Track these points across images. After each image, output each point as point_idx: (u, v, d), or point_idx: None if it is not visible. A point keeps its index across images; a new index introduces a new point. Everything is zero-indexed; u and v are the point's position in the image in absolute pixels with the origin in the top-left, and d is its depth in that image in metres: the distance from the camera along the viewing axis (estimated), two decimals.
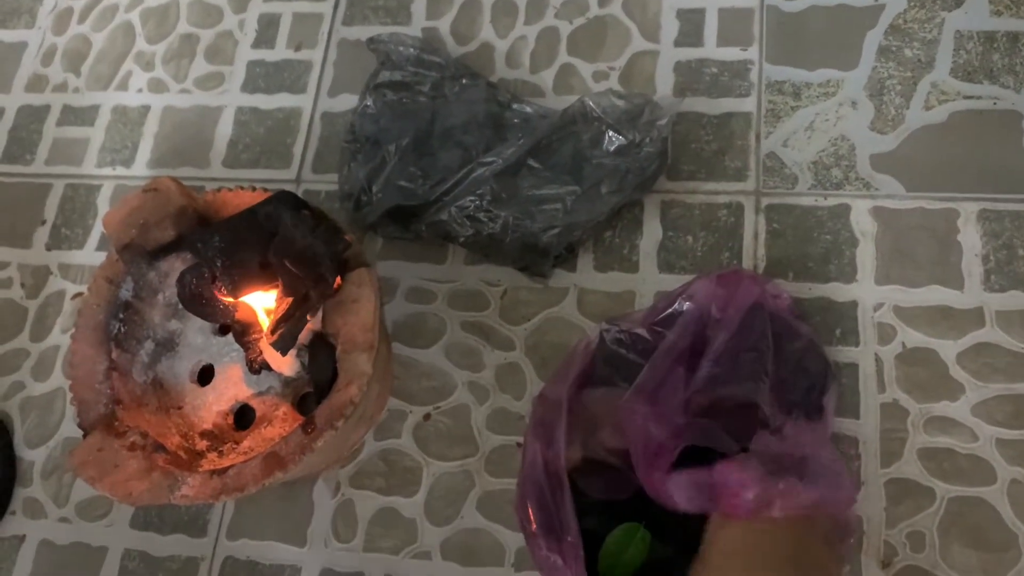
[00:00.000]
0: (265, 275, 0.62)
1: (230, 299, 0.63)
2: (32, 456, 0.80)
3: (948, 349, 0.69)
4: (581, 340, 0.68)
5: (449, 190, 0.73)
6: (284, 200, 0.64)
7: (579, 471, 0.63)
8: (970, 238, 0.71)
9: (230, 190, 0.70)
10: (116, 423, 0.64)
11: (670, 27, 0.84)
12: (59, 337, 0.84)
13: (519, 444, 0.71)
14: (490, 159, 0.73)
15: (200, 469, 0.64)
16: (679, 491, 0.55)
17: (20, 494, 0.79)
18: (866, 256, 0.73)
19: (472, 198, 0.72)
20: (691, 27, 0.84)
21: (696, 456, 0.59)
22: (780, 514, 0.54)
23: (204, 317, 0.66)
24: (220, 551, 0.74)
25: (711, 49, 0.82)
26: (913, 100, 0.76)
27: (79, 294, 0.85)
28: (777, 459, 0.56)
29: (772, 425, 0.59)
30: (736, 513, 0.54)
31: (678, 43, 0.83)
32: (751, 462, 0.55)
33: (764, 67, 0.81)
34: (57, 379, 0.82)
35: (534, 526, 0.59)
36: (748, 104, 0.79)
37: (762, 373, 0.63)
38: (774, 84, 0.80)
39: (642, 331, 0.68)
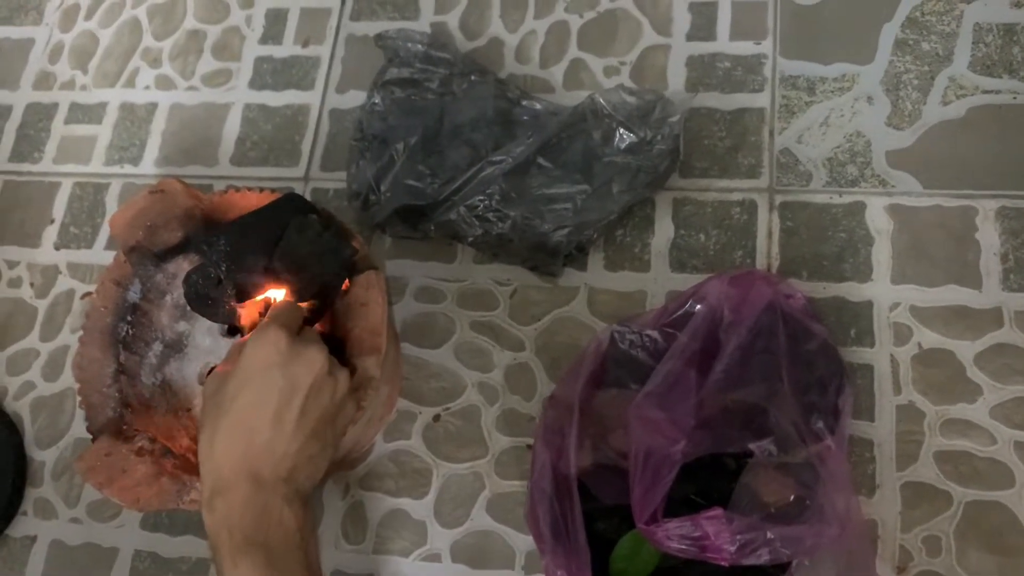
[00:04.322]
0: (271, 278, 0.61)
1: (236, 302, 0.62)
2: (43, 456, 0.80)
3: (965, 350, 0.68)
4: (592, 341, 0.67)
5: (458, 189, 0.72)
6: (291, 203, 0.63)
7: (590, 475, 0.63)
8: (988, 236, 0.70)
9: (237, 191, 0.69)
10: (124, 427, 0.64)
11: (682, 20, 0.83)
12: (68, 337, 0.84)
13: (529, 446, 0.71)
14: (499, 158, 0.72)
15: None
16: (670, 542, 0.55)
17: (31, 495, 0.79)
18: (882, 255, 0.71)
19: (481, 197, 0.71)
20: (703, 20, 0.82)
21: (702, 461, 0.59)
22: (767, 560, 0.54)
23: (211, 318, 0.65)
24: None
25: (724, 43, 0.81)
26: (930, 95, 0.75)
27: (88, 293, 0.84)
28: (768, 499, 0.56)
29: (778, 433, 0.58)
30: (721, 560, 0.54)
31: (690, 37, 0.82)
32: (737, 511, 0.55)
33: (778, 61, 0.79)
34: (67, 379, 0.82)
35: (542, 537, 0.58)
36: (762, 99, 0.78)
37: (775, 376, 0.62)
38: (788, 79, 0.78)
39: (653, 332, 0.67)
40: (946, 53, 0.76)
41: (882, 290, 0.70)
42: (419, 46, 0.80)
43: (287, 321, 0.56)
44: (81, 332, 0.68)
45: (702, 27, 0.82)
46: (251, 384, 0.54)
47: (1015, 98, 0.73)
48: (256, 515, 0.52)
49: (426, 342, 0.76)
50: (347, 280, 0.63)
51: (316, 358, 0.55)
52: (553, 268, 0.74)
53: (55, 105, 0.94)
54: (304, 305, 0.61)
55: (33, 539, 0.77)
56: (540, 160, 0.72)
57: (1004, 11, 0.76)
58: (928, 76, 0.76)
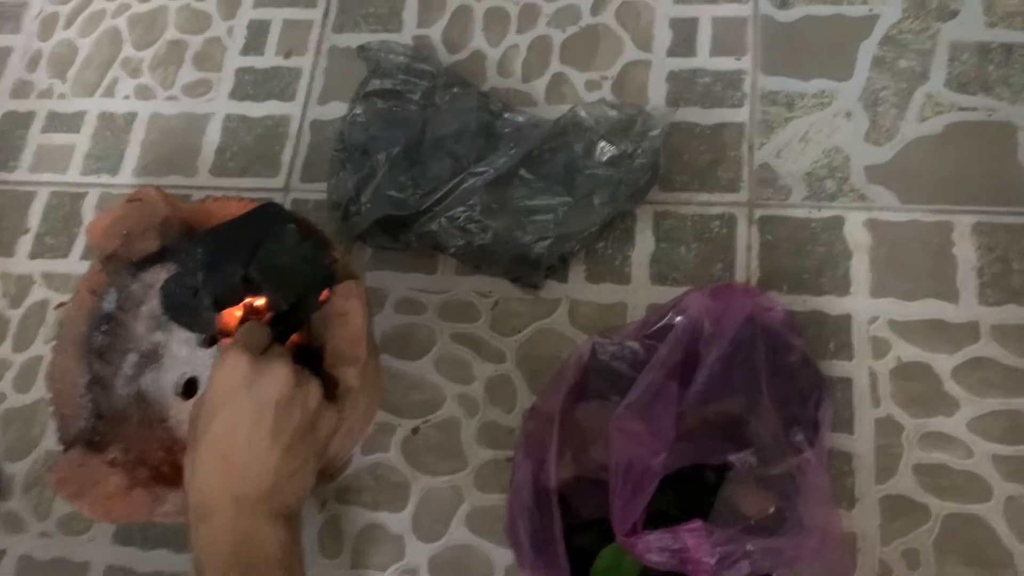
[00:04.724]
0: (249, 288, 0.60)
1: (213, 311, 0.61)
2: (13, 469, 0.78)
3: (943, 363, 0.68)
4: (573, 353, 0.67)
5: (440, 200, 0.72)
6: (269, 212, 0.62)
7: (571, 488, 0.62)
8: (965, 251, 0.71)
9: (216, 200, 0.69)
10: (97, 438, 0.63)
11: (663, 37, 0.83)
12: (42, 348, 0.82)
13: (509, 459, 0.70)
14: (481, 169, 0.72)
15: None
16: (650, 554, 0.54)
17: (0, 508, 0.77)
18: (860, 269, 0.72)
19: (463, 208, 0.71)
20: (684, 37, 0.83)
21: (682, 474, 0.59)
22: (747, 572, 0.54)
23: (188, 328, 0.65)
24: None
25: (704, 59, 0.82)
26: (908, 111, 0.76)
27: (63, 304, 0.83)
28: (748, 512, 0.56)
29: (759, 444, 0.58)
30: (701, 573, 0.54)
31: (671, 53, 0.83)
32: (717, 523, 0.55)
33: (758, 77, 0.80)
34: (40, 390, 0.80)
35: (522, 550, 0.58)
36: (741, 115, 0.79)
37: (755, 388, 0.62)
38: (768, 94, 0.79)
39: (634, 344, 0.67)
40: (923, 70, 0.77)
41: (861, 304, 0.71)
42: (402, 58, 0.80)
43: (248, 342, 0.56)
44: (55, 342, 0.67)
45: (682, 43, 0.83)
46: (220, 410, 0.54)
47: (990, 115, 0.75)
48: (238, 537, 0.52)
49: (406, 354, 0.76)
50: (326, 290, 0.63)
51: (280, 374, 0.54)
52: (535, 280, 0.74)
53: (32, 114, 0.93)
54: (269, 317, 0.60)
55: (1, 554, 0.76)
56: (522, 172, 0.72)
57: (979, 30, 0.78)
58: (905, 93, 0.77)
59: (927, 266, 0.71)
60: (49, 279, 0.85)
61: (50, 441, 0.78)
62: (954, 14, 0.78)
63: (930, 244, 0.72)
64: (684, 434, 0.60)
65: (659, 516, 0.58)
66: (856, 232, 0.73)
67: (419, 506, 0.71)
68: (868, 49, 0.79)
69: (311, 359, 0.62)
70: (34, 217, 0.88)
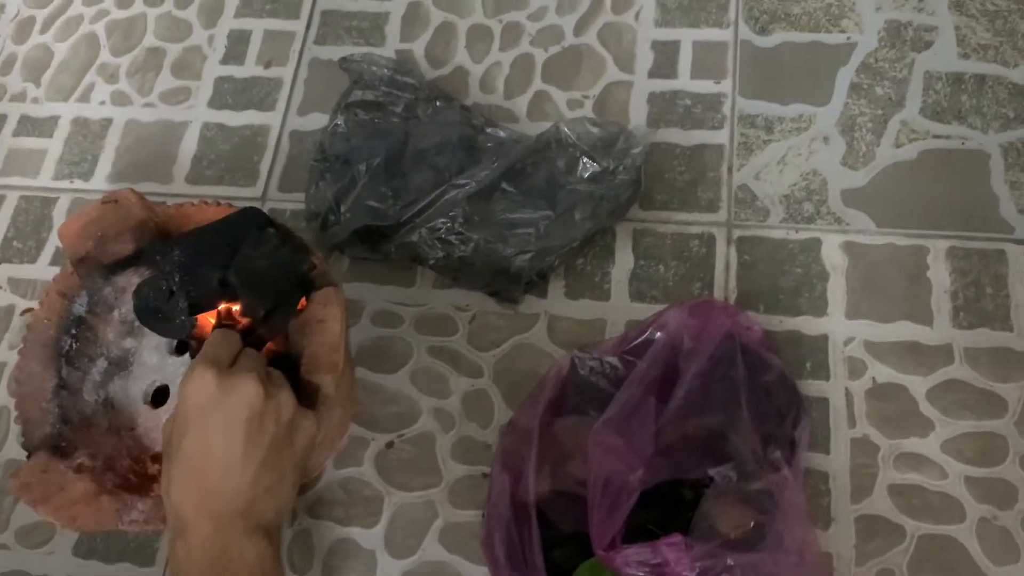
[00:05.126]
0: (225, 293, 0.59)
1: (188, 316, 0.60)
2: None
3: (918, 385, 0.69)
4: (552, 367, 0.67)
5: (420, 211, 0.72)
6: (248, 217, 0.62)
7: (548, 502, 0.61)
8: (939, 275, 0.72)
9: (193, 204, 0.68)
10: (63, 444, 0.61)
11: (645, 58, 0.84)
12: (6, 354, 0.80)
13: (484, 475, 0.69)
14: (463, 181, 0.72)
15: (152, 494, 0.61)
16: (628, 569, 0.54)
17: None
18: (837, 290, 0.72)
19: (444, 220, 0.71)
20: (665, 59, 0.84)
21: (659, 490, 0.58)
22: None
23: (161, 333, 0.63)
24: None
25: (685, 81, 0.83)
26: (884, 137, 0.77)
27: (29, 309, 0.81)
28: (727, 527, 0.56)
29: (738, 459, 0.58)
30: None
31: (652, 74, 0.83)
32: (696, 538, 0.55)
33: (737, 100, 0.81)
34: (2, 398, 0.78)
35: (498, 564, 0.57)
36: (721, 136, 0.80)
37: (735, 403, 0.62)
38: (747, 117, 0.80)
39: (613, 359, 0.67)
40: (898, 98, 0.79)
41: (837, 325, 0.71)
42: (385, 70, 0.80)
43: (215, 356, 0.55)
44: (22, 345, 0.65)
45: (664, 65, 0.84)
46: (190, 429, 0.53)
47: (964, 143, 0.76)
48: (215, 555, 0.51)
49: (382, 367, 0.75)
50: (304, 298, 0.62)
51: (249, 389, 0.53)
52: (514, 294, 0.74)
53: (3, 116, 0.91)
54: (245, 323, 0.59)
55: None
56: (504, 185, 0.72)
57: (952, 61, 0.79)
58: (881, 119, 0.78)
59: (902, 289, 0.72)
60: (15, 284, 0.83)
61: (12, 449, 0.76)
62: (928, 44, 0.80)
63: (905, 267, 0.72)
64: (663, 449, 0.60)
65: (637, 531, 0.58)
66: (833, 254, 0.74)
67: (392, 521, 0.70)
68: (845, 76, 0.80)
69: (288, 366, 0.61)
70: (2, 221, 0.86)
